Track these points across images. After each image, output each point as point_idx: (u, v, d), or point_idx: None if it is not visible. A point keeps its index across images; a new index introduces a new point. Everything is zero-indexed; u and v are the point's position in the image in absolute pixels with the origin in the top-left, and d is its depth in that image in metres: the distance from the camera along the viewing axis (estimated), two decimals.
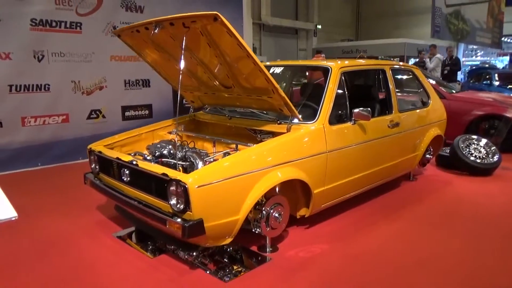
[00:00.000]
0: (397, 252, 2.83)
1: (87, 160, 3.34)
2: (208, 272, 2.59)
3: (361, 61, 4.31)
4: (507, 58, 20.51)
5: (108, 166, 3.07)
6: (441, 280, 2.47)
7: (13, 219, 1.27)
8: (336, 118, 3.19)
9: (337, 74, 3.25)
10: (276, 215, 2.78)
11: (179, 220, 2.37)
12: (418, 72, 4.50)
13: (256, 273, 2.59)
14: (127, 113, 6.08)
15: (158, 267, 2.66)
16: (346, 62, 3.48)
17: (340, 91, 3.26)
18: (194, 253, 2.72)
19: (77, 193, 4.14)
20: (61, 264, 2.72)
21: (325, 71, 3.32)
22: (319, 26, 16.11)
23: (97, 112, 5.78)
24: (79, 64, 5.45)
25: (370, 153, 3.49)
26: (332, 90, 3.20)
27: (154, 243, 2.96)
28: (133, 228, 3.23)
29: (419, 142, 4.26)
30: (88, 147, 3.32)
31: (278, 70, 4.05)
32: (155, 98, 6.31)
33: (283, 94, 2.85)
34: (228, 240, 2.61)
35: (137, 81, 6.14)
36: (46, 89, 5.28)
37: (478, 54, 22.40)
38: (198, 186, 2.32)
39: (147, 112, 6.28)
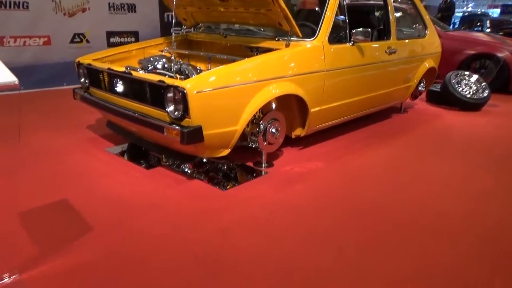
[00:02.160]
0: (390, 170, 2.92)
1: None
2: (204, 181, 2.61)
3: None
4: (498, 10, 20.25)
5: (98, 79, 2.96)
6: (433, 194, 2.55)
7: (14, 83, 1.19)
8: (336, 38, 3.13)
9: None
10: (273, 130, 2.79)
11: (177, 127, 2.33)
12: (417, 1, 4.40)
13: (253, 184, 2.62)
14: (112, 39, 5.84)
15: (155, 177, 2.67)
16: None
17: (340, 12, 3.18)
18: (189, 171, 2.73)
19: (65, 115, 4.07)
20: (57, 171, 2.72)
21: None
22: None
23: (81, 36, 5.53)
24: None
25: (366, 77, 3.48)
26: (332, 8, 3.09)
27: (147, 160, 2.93)
28: (125, 145, 3.20)
29: (414, 73, 4.25)
30: (76, 60, 3.19)
31: None
32: (141, 25, 6.06)
33: (283, 5, 2.73)
34: (225, 152, 2.61)
35: (122, 5, 5.84)
36: (25, 7, 4.97)
37: (469, 5, 22.06)
38: (197, 92, 2.27)
39: (133, 39, 6.03)
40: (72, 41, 5.45)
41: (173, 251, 1.83)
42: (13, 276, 1.60)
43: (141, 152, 3.06)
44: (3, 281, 1.58)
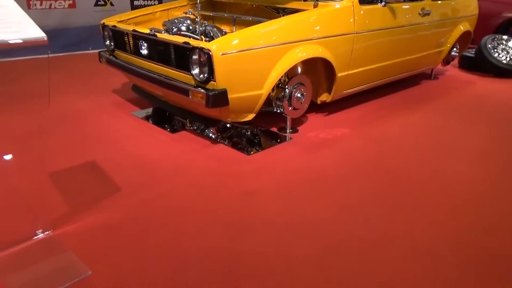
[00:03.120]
0: (420, 137, 2.83)
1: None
2: (228, 145, 2.60)
3: None
4: None
5: (123, 41, 2.93)
6: (464, 161, 2.47)
7: (43, 39, 1.19)
8: None
9: None
10: (299, 95, 2.73)
11: (202, 90, 2.31)
12: None
13: (277, 149, 2.59)
14: (136, 2, 5.79)
15: (180, 140, 2.68)
16: None
17: None
18: (213, 136, 2.73)
19: (92, 78, 4.11)
20: (85, 133, 2.76)
21: None
22: None
23: None
24: None
25: (397, 41, 3.32)
26: None
27: (171, 125, 2.93)
28: (150, 110, 3.21)
29: (447, 37, 4.04)
30: (101, 22, 3.16)
31: None
32: None
33: None
34: (250, 117, 2.59)
35: None
36: None
37: None
38: (222, 54, 2.22)
39: (156, 1, 5.94)
40: (96, 4, 5.42)
41: (198, 214, 1.83)
42: (47, 232, 1.66)
43: (166, 117, 3.08)
44: (37, 237, 1.63)
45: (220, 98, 2.29)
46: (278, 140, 2.71)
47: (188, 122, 2.94)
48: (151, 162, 2.34)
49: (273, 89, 2.63)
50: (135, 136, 2.72)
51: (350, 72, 2.97)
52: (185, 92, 2.39)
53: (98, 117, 3.05)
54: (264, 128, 2.89)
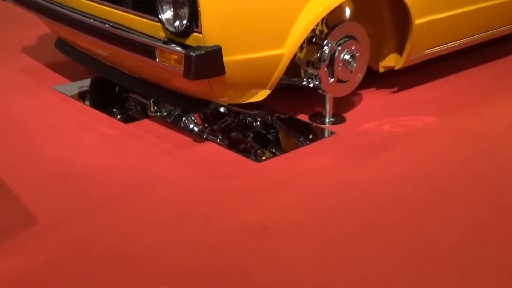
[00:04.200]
0: None
1: None
2: (223, 145, 2.57)
3: None
4: None
5: None
6: None
7: None
8: None
9: None
10: (347, 57, 2.65)
11: (178, 47, 2.25)
12: None
13: (309, 152, 2.54)
14: None
15: (140, 136, 2.67)
16: None
17: None
18: (196, 128, 2.71)
19: None
20: None
21: None
22: None
23: None
24: None
25: None
26: None
27: (124, 108, 2.95)
28: (87, 82, 3.22)
29: None
30: None
31: None
32: None
33: None
34: (261, 95, 2.55)
35: None
36: None
37: None
38: None
39: None
40: None
41: (170, 269, 1.78)
42: None
43: (114, 95, 3.10)
44: None
45: (209, 62, 2.24)
46: (310, 137, 2.72)
47: (152, 105, 2.91)
48: (88, 174, 2.32)
49: (301, 47, 2.58)
50: (61, 127, 2.73)
51: (435, 17, 2.94)
52: (148, 51, 2.35)
53: (3, 96, 3.06)
54: (285, 115, 2.85)
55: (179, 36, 2.28)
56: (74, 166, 2.37)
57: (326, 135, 2.69)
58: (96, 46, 2.79)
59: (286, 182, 2.31)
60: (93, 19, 2.61)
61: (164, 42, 2.31)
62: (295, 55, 2.57)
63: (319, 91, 2.70)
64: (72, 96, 3.03)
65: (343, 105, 2.93)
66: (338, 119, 2.81)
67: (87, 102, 2.99)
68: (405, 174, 2.38)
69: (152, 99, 2.93)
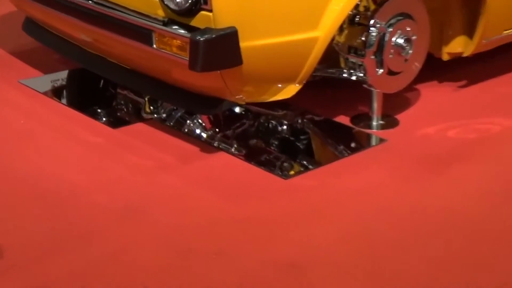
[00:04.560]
0: None
1: None
2: (239, 157, 2.55)
3: None
4: None
5: None
6: None
7: None
8: None
9: None
10: (401, 41, 2.61)
11: (183, 30, 2.23)
12: None
13: (351, 165, 2.50)
14: None
15: (132, 144, 2.65)
16: None
17: None
18: (204, 134, 2.71)
19: None
20: None
21: None
22: None
23: None
24: None
25: None
26: None
27: (110, 109, 2.96)
28: (63, 74, 3.21)
29: None
30: None
31: None
32: None
33: None
34: (290, 91, 2.53)
35: None
36: None
37: None
38: None
39: None
40: None
41: None
42: None
43: (98, 90, 3.13)
44: None
45: (222, 50, 2.23)
46: (353, 145, 2.72)
47: (148, 104, 2.90)
48: (64, 197, 2.28)
49: (341, 28, 2.56)
50: (29, 134, 2.73)
51: None
52: (143, 35, 2.36)
53: None
54: (319, 116, 2.84)
55: (183, 16, 2.25)
56: (47, 186, 2.33)
57: (374, 143, 2.67)
58: (77, 29, 2.78)
59: (321, 205, 2.26)
60: None
61: (164, 23, 2.30)
62: (332, 39, 2.53)
63: (364, 85, 2.66)
64: (45, 93, 3.04)
65: (396, 104, 2.91)
66: (389, 122, 2.78)
67: (64, 101, 3.02)
68: (483, 193, 2.30)
69: (148, 97, 2.91)
